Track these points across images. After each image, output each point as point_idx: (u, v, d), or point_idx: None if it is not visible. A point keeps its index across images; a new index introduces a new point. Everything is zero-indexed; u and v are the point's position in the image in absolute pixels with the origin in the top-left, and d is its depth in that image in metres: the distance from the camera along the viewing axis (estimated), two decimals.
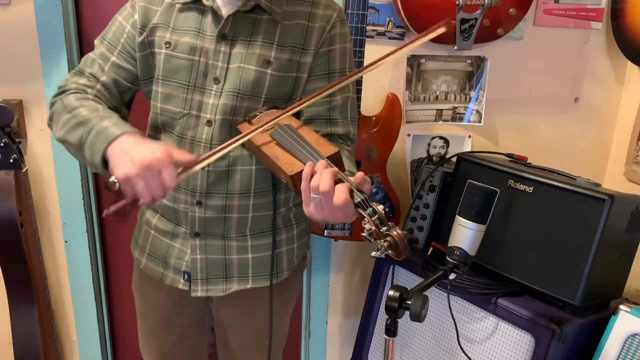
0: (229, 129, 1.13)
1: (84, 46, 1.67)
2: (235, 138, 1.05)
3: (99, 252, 1.82)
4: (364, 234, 0.91)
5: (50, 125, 1.15)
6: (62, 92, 1.15)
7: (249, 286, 1.24)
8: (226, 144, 1.05)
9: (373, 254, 0.90)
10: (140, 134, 1.04)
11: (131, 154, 0.97)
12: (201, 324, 1.35)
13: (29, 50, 1.59)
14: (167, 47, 1.13)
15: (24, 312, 1.63)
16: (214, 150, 1.04)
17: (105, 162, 1.02)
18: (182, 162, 1.00)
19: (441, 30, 1.05)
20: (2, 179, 1.51)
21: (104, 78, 1.16)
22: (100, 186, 1.78)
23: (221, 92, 1.12)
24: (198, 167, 1.02)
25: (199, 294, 1.23)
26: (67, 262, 1.77)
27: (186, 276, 1.23)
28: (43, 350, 1.67)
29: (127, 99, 1.22)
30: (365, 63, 1.54)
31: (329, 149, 1.01)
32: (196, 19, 1.13)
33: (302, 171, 0.97)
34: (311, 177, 0.94)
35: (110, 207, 0.98)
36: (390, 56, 1.06)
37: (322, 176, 0.92)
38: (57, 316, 1.82)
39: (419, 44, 1.08)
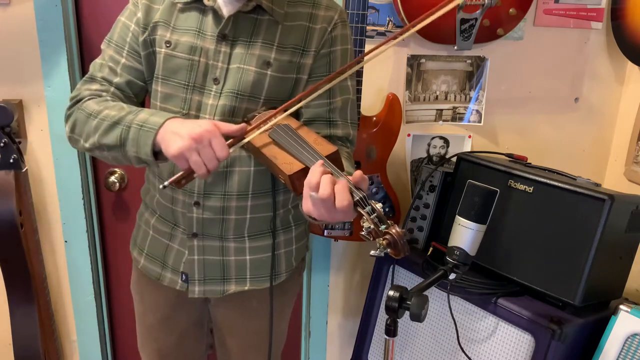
0: None
1: (84, 46, 1.67)
2: (276, 110, 1.06)
3: (99, 252, 1.82)
4: (362, 233, 0.90)
5: (71, 139, 1.13)
6: (76, 101, 1.14)
7: (246, 288, 1.24)
8: (272, 113, 1.06)
9: (372, 252, 0.90)
10: (180, 117, 1.07)
11: (180, 132, 0.99)
12: (199, 325, 1.35)
13: (29, 50, 1.58)
14: (167, 47, 1.13)
15: (24, 312, 1.63)
16: (260, 121, 1.05)
17: (154, 154, 1.03)
18: (230, 134, 1.02)
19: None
20: (2, 179, 1.51)
21: (117, 79, 1.15)
22: (100, 186, 1.78)
23: (220, 93, 1.12)
24: (247, 139, 1.04)
25: (196, 295, 1.23)
26: (67, 262, 1.77)
27: (184, 277, 1.23)
28: (43, 351, 1.67)
29: (142, 99, 1.22)
30: (365, 64, 1.54)
31: (328, 148, 1.01)
32: (197, 18, 1.13)
33: (300, 171, 0.97)
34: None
35: (168, 179, 1.01)
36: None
37: (321, 183, 0.91)
38: (57, 316, 1.82)
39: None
